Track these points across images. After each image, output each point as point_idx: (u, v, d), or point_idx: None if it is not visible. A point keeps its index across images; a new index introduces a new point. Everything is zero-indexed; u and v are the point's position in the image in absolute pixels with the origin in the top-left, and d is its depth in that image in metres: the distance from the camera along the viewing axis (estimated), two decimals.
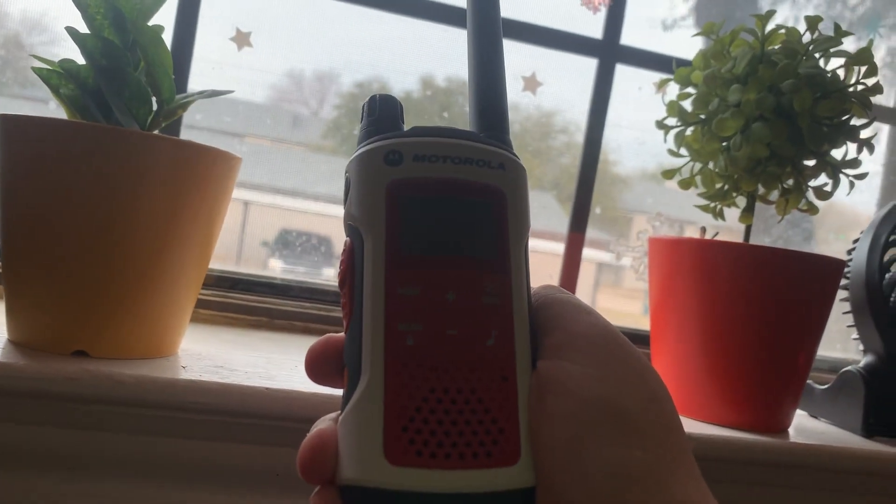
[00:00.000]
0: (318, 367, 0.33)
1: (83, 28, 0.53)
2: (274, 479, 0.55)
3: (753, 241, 0.70)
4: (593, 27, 0.93)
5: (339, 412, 0.31)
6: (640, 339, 0.89)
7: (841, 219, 1.23)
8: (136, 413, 0.51)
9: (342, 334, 0.33)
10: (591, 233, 0.98)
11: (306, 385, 0.53)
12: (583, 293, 1.11)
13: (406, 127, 0.34)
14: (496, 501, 0.29)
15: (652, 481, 0.29)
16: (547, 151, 1.10)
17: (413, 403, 0.29)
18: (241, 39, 0.83)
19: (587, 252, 0.98)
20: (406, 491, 0.28)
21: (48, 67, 0.53)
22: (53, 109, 0.70)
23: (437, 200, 0.31)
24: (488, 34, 0.36)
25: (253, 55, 0.85)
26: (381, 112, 0.34)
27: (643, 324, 1.09)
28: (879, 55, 1.18)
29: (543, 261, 1.01)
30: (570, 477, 0.29)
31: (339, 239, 1.03)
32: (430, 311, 0.30)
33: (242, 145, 0.86)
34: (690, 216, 1.04)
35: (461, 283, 0.31)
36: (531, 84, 0.95)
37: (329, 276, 1.06)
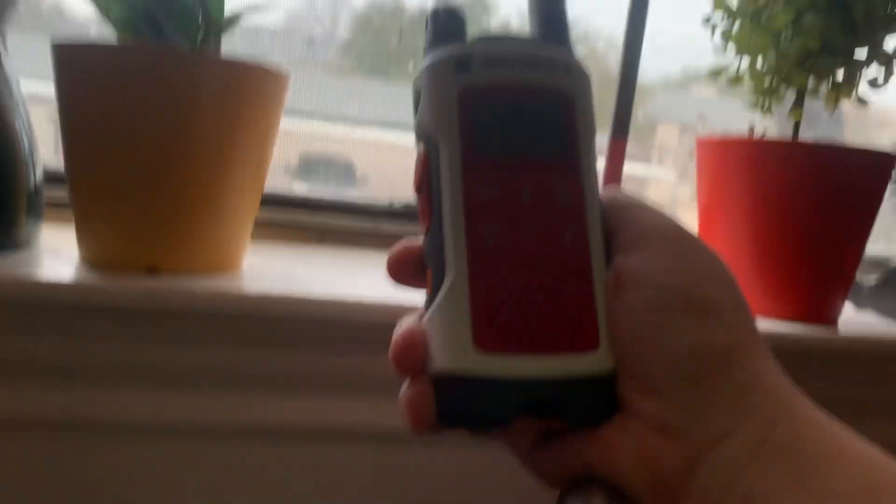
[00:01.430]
0: (399, 268, 0.35)
1: None
2: (346, 384, 0.57)
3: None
4: None
5: (424, 310, 0.32)
6: None
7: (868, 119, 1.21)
8: (210, 325, 0.53)
9: (418, 238, 0.34)
10: None
11: (372, 294, 0.55)
12: None
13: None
14: (582, 384, 0.31)
15: (732, 359, 0.30)
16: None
17: (498, 297, 0.30)
18: None
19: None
20: (496, 377, 0.30)
21: None
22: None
23: (508, 104, 0.32)
24: None
25: None
26: (447, 21, 0.35)
27: None
28: None
29: None
30: (654, 360, 0.30)
31: (361, 160, 1.04)
32: (508, 211, 0.31)
33: None
34: (715, 123, 1.03)
35: (536, 184, 0.32)
36: None
37: (355, 195, 1.08)
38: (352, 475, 0.60)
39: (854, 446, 0.29)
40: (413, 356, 0.31)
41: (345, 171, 1.01)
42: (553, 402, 0.30)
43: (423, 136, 0.33)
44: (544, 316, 0.30)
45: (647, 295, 0.31)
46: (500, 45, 0.33)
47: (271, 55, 0.58)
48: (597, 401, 0.31)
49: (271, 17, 0.92)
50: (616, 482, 0.31)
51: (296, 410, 0.57)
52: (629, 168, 1.10)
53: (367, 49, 1.07)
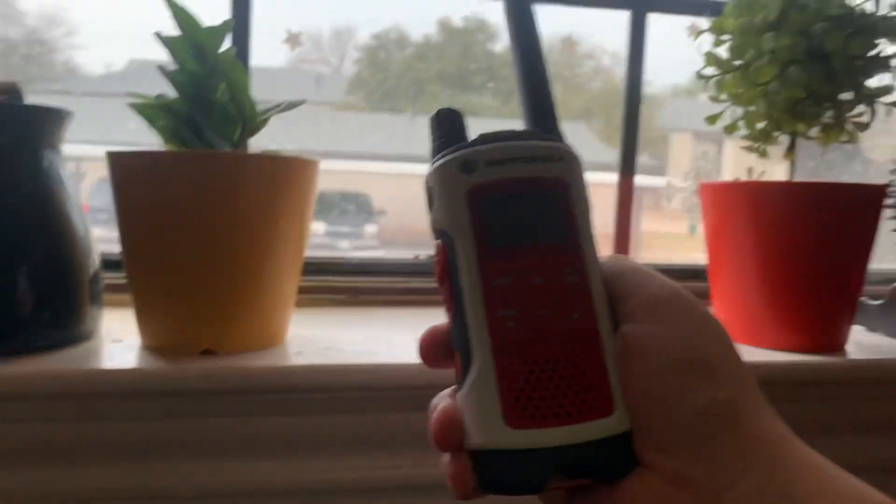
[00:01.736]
0: (430, 354, 0.39)
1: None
2: (391, 440, 0.62)
3: (798, 166, 0.74)
4: None
5: (455, 388, 0.37)
6: (696, 274, 0.94)
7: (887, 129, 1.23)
8: (264, 398, 0.58)
9: (444, 323, 0.39)
10: None
11: (407, 356, 0.60)
12: None
13: (472, 128, 0.39)
14: (602, 446, 0.35)
15: (733, 416, 0.35)
16: (573, 79, 1.12)
17: (521, 377, 0.35)
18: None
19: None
20: (527, 448, 0.34)
21: (143, 102, 0.60)
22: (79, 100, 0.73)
23: (511, 198, 0.37)
24: (528, 34, 0.41)
25: (262, 18, 0.86)
26: (449, 124, 0.39)
27: (691, 245, 1.12)
28: None
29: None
30: (664, 420, 0.35)
31: (376, 194, 1.07)
32: (523, 295, 0.36)
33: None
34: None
35: (544, 268, 0.36)
36: (569, 45, 0.99)
37: (372, 232, 1.11)
38: None
39: (844, 483, 0.33)
40: (451, 435, 0.35)
41: (361, 205, 1.04)
42: (578, 464, 0.35)
43: (440, 233, 0.37)
44: (563, 389, 0.35)
45: (654, 361, 0.35)
46: (499, 144, 0.37)
47: (280, 95, 0.63)
48: (616, 459, 0.35)
49: (279, 58, 0.96)
50: None
51: (346, 469, 0.62)
52: (647, 181, 1.13)
53: (375, 84, 1.10)
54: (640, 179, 1.01)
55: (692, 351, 0.36)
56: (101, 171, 0.88)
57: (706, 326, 0.37)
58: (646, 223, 1.22)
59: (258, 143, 0.63)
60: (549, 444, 0.34)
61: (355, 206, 1.04)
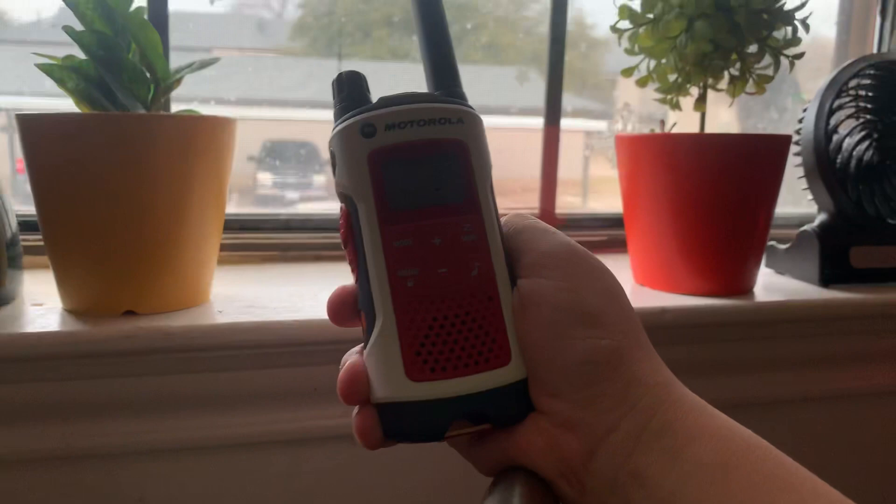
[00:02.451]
0: (337, 314, 0.41)
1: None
2: (311, 393, 0.64)
3: (716, 115, 0.77)
4: None
5: (362, 346, 0.39)
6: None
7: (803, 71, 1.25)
8: (185, 357, 0.59)
9: (352, 284, 0.40)
10: (577, 102, 1.00)
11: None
12: (575, 163, 1.16)
13: (372, 95, 0.40)
14: (498, 394, 0.38)
15: (615, 362, 0.37)
16: (521, 22, 1.10)
17: (421, 332, 0.37)
18: None
19: (576, 123, 1.01)
20: (427, 399, 0.36)
21: (52, 63, 0.59)
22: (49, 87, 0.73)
23: (410, 161, 0.38)
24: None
25: None
26: (349, 88, 0.40)
27: None
28: None
29: (531, 138, 1.02)
30: (553, 368, 0.37)
31: (323, 143, 1.06)
32: (422, 256, 0.37)
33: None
34: None
35: (443, 228, 0.38)
36: None
37: (320, 183, 1.10)
38: (329, 475, 0.67)
39: (715, 422, 0.36)
40: (357, 389, 0.37)
41: (308, 155, 1.04)
42: (478, 412, 0.37)
43: (343, 196, 0.39)
44: (461, 342, 0.37)
45: (545, 312, 0.38)
46: (398, 108, 0.38)
47: (222, 42, 0.62)
48: (513, 405, 0.38)
49: (219, 5, 0.93)
50: (533, 469, 0.38)
51: (271, 422, 0.64)
52: (595, 125, 1.14)
53: (319, 29, 1.08)
54: (588, 124, 1.02)
55: (580, 302, 0.38)
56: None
57: (596, 279, 0.39)
58: (595, 168, 1.23)
59: (197, 93, 0.62)
60: (448, 395, 0.37)
61: (301, 155, 1.03)
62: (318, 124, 1.02)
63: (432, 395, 0.36)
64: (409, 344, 0.37)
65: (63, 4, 0.58)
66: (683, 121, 0.79)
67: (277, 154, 1.00)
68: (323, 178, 1.09)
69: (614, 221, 1.02)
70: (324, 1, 1.04)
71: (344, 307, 0.40)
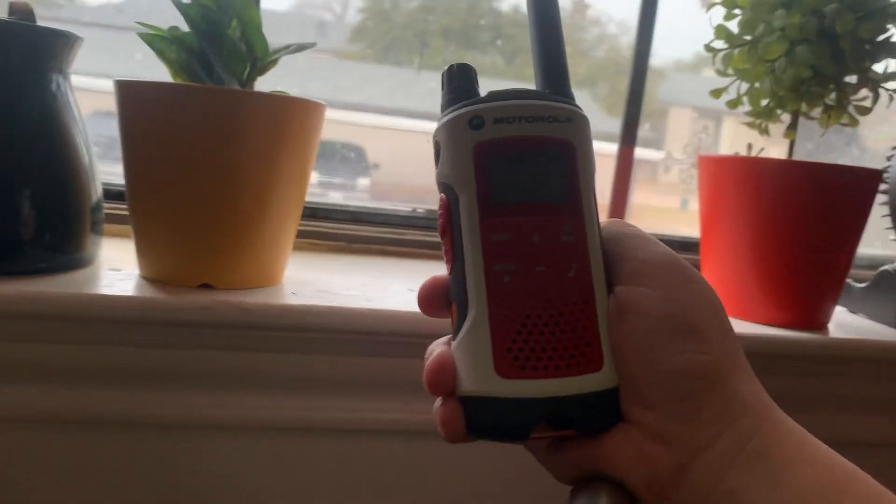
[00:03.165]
0: (428, 302, 0.40)
1: None
2: (378, 384, 0.64)
3: (797, 146, 0.75)
4: None
5: (451, 337, 0.38)
6: (687, 246, 0.96)
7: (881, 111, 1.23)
8: (258, 335, 0.60)
9: (444, 275, 0.40)
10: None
11: (400, 304, 0.61)
12: None
13: (481, 89, 0.40)
14: (588, 400, 0.37)
15: (715, 379, 0.36)
16: (578, 44, 1.11)
17: (514, 328, 0.36)
18: None
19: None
20: (514, 397, 0.36)
21: (153, 33, 0.59)
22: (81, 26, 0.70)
23: (517, 156, 0.38)
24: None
25: None
26: (460, 80, 0.40)
27: (682, 220, 1.13)
28: None
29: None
30: (651, 378, 0.36)
31: (372, 147, 1.06)
32: (520, 251, 0.37)
33: None
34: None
35: (543, 226, 0.37)
36: (580, 7, 0.99)
37: (365, 186, 1.10)
38: (382, 468, 0.67)
39: (816, 450, 0.35)
40: (444, 380, 0.37)
41: (356, 157, 1.04)
42: (564, 416, 0.36)
43: (444, 186, 0.38)
44: (553, 343, 0.36)
45: (645, 322, 0.37)
46: (508, 102, 0.38)
47: (282, 39, 0.63)
48: (601, 413, 0.37)
49: (281, 4, 0.94)
50: (619, 480, 0.37)
51: (333, 409, 0.64)
52: (643, 154, 1.13)
53: (379, 34, 1.09)
54: (637, 152, 1.02)
55: (681, 314, 0.37)
56: (96, 103, 0.88)
57: (698, 293, 0.39)
58: (638, 196, 1.22)
59: (261, 86, 0.63)
60: (536, 395, 0.36)
61: (348, 158, 1.04)
62: (369, 129, 1.02)
63: (520, 394, 0.36)
64: (500, 339, 0.36)
65: None
66: (766, 149, 0.77)
67: (326, 154, 1.00)
68: (367, 182, 1.09)
69: (678, 245, 1.00)
70: (384, 7, 1.05)
71: (436, 296, 0.40)
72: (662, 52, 1.10)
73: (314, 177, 1.04)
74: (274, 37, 0.62)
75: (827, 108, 0.71)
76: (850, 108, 0.71)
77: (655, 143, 1.18)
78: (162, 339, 0.59)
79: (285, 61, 0.63)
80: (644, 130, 1.11)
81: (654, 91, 1.17)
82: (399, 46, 1.06)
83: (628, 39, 0.98)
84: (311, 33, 1.04)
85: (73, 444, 0.61)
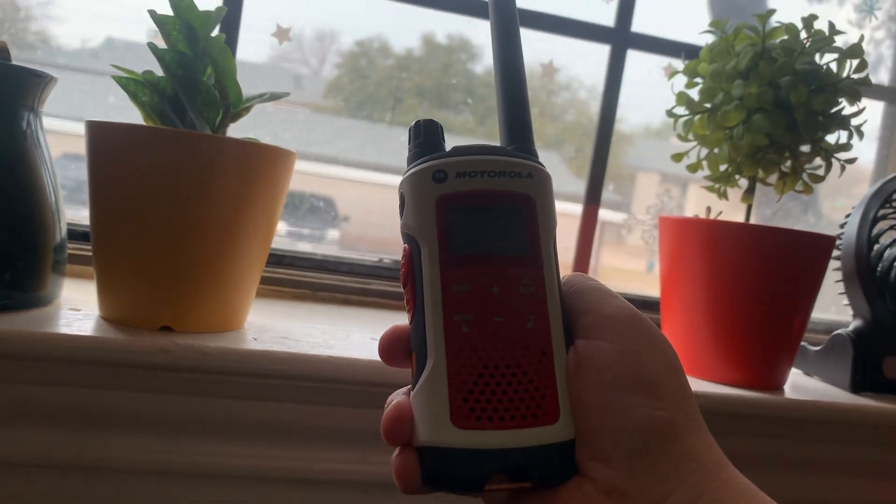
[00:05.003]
0: (389, 351, 0.41)
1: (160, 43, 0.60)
2: (336, 434, 0.63)
3: (756, 211, 0.77)
4: (606, 16, 0.99)
5: (410, 387, 0.38)
6: (649, 305, 0.97)
7: (837, 182, 1.27)
8: (217, 379, 0.59)
9: (405, 324, 0.40)
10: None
11: (361, 353, 0.61)
12: None
13: (447, 144, 0.41)
14: (543, 452, 0.37)
15: (671, 435, 0.37)
16: (548, 108, 1.13)
17: (471, 379, 0.36)
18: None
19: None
20: (470, 448, 0.36)
21: (128, 76, 0.60)
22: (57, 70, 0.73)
23: (478, 209, 0.38)
24: (511, 54, 0.42)
25: (251, 13, 0.87)
26: (426, 135, 0.41)
27: (648, 281, 1.15)
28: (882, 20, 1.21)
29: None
30: (606, 433, 0.37)
31: (342, 199, 1.07)
32: (479, 302, 0.37)
33: None
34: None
35: (503, 278, 0.38)
36: (549, 71, 1.01)
37: (334, 238, 1.11)
38: None
39: None
40: (400, 430, 0.37)
41: (326, 208, 1.05)
42: (520, 468, 0.36)
43: (407, 237, 0.39)
44: (510, 394, 0.36)
45: (603, 376, 0.37)
46: (471, 157, 0.39)
47: (259, 91, 0.64)
48: (557, 466, 0.37)
49: (261, 54, 0.96)
50: None
51: (290, 458, 0.63)
52: (610, 216, 1.16)
53: (353, 90, 1.11)
54: (603, 213, 1.04)
55: (639, 370, 0.38)
56: (67, 146, 0.88)
57: (656, 348, 0.39)
58: (605, 257, 1.24)
59: (234, 134, 0.64)
60: (491, 446, 0.36)
61: (319, 209, 1.05)
62: (341, 181, 1.04)
63: (476, 445, 0.36)
64: (457, 389, 0.36)
65: (111, 36, 0.60)
66: (724, 213, 0.80)
67: (296, 204, 1.01)
68: (337, 234, 1.10)
69: (641, 303, 1.02)
70: (360, 64, 1.07)
71: (396, 346, 0.40)
72: (631, 118, 1.13)
73: (283, 227, 1.04)
74: (250, 88, 0.64)
75: (782, 175, 0.74)
76: (805, 176, 0.74)
77: (623, 207, 1.21)
78: (119, 380, 0.58)
79: (260, 112, 0.64)
80: (612, 193, 1.13)
81: (623, 155, 1.20)
82: (373, 102, 1.08)
83: (597, 105, 1.01)
84: (287, 86, 1.06)
85: (18, 486, 0.59)
